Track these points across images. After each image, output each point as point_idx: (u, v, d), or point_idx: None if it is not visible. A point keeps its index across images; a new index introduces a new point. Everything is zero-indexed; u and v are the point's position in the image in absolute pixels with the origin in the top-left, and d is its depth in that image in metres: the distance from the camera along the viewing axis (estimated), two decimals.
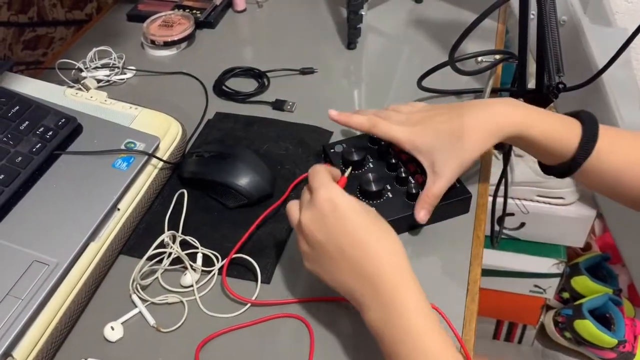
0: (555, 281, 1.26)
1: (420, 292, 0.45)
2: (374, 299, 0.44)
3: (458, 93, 0.76)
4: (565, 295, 1.38)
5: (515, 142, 0.56)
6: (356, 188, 0.60)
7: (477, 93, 0.75)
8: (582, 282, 1.32)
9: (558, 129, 0.54)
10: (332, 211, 0.46)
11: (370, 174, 0.59)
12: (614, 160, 0.54)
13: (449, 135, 0.55)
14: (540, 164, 0.60)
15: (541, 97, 0.66)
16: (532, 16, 0.64)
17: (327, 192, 0.47)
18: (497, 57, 0.68)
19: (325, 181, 0.48)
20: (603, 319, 1.28)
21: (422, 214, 0.56)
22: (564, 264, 1.24)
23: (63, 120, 0.61)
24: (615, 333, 1.25)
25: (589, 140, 0.53)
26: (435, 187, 0.56)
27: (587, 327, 1.26)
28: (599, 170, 0.54)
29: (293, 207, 0.51)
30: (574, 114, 0.56)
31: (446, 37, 0.88)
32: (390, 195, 0.59)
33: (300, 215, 0.49)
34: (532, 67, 0.66)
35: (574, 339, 1.32)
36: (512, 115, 0.54)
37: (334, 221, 0.46)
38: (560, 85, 0.65)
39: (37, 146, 0.58)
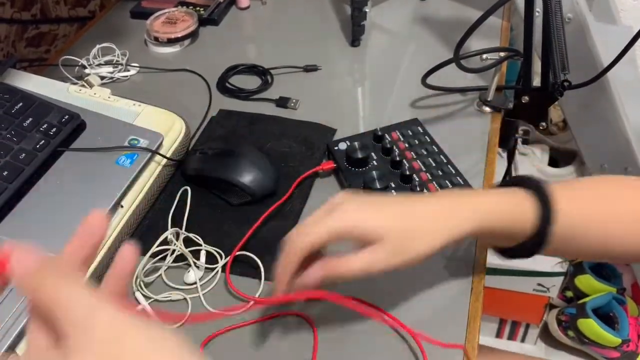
0: (559, 280, 1.26)
1: None
2: None
3: (463, 90, 0.76)
4: (569, 294, 1.37)
5: (468, 238, 0.47)
6: (360, 186, 0.59)
7: (482, 90, 0.75)
8: (586, 281, 1.31)
9: (513, 214, 0.47)
10: None
11: (374, 172, 0.59)
12: (576, 225, 0.48)
13: (400, 232, 0.44)
14: (500, 250, 0.52)
15: (546, 95, 0.66)
16: (537, 13, 0.63)
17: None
18: (502, 54, 0.68)
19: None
20: (607, 318, 1.28)
21: (310, 280, 0.44)
22: (568, 263, 1.23)
23: (67, 116, 0.61)
24: (619, 332, 1.25)
25: (545, 210, 0.46)
26: (353, 260, 0.43)
27: (591, 326, 1.25)
28: (563, 238, 0.48)
29: None
30: (516, 182, 0.49)
31: (450, 34, 0.88)
32: (395, 193, 0.59)
33: None
34: (536, 65, 0.66)
35: (577, 338, 1.31)
36: (464, 213, 0.46)
37: None
38: (566, 83, 0.65)
39: (41, 143, 0.58)
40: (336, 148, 0.65)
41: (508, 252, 0.51)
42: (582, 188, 0.51)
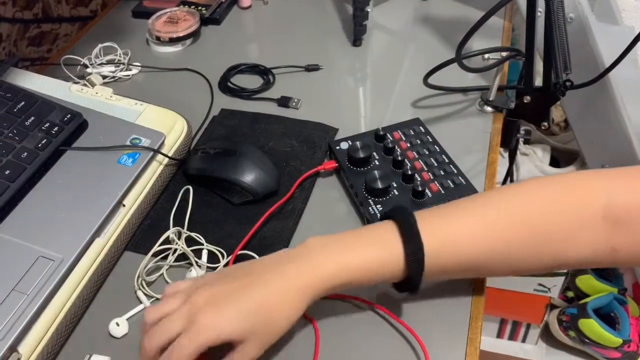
0: (560, 280, 1.26)
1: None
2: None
3: (464, 90, 0.76)
4: (570, 294, 1.38)
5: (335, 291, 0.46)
6: (362, 185, 0.59)
7: (484, 90, 0.75)
8: (587, 281, 1.31)
9: (374, 255, 0.45)
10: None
11: (376, 171, 0.59)
12: (453, 258, 0.46)
13: (253, 326, 0.43)
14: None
15: (548, 95, 0.66)
16: (539, 13, 0.63)
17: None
18: (504, 54, 0.68)
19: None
20: (608, 318, 1.28)
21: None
22: None
23: (69, 116, 0.61)
24: (620, 332, 1.25)
25: (415, 249, 0.45)
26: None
27: (592, 326, 1.25)
28: (444, 270, 0.47)
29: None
30: (387, 216, 0.48)
31: (452, 34, 0.88)
32: (396, 193, 0.59)
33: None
34: (537, 65, 0.66)
35: (578, 338, 1.31)
36: (317, 275, 0.44)
37: None
38: (568, 83, 0.65)
39: (43, 142, 0.58)
40: (338, 147, 0.65)
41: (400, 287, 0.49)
42: (449, 215, 0.47)
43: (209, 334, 0.42)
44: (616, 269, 1.34)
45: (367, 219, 0.58)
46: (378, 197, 0.58)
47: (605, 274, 1.34)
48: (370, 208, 0.58)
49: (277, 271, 0.45)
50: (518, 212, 0.46)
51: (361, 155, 0.61)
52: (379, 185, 0.58)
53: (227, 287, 0.44)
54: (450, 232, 0.46)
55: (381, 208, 0.57)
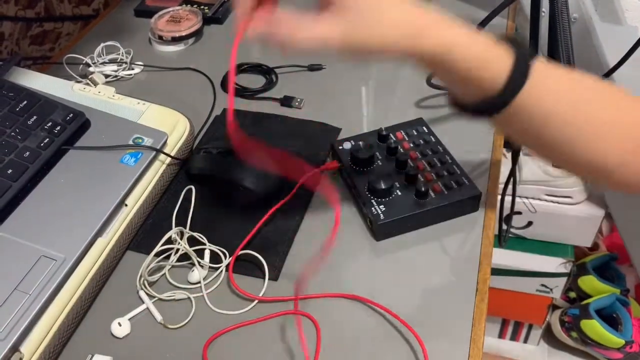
0: (562, 280, 1.26)
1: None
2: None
3: None
4: (572, 294, 1.37)
5: (431, 65, 0.43)
6: (365, 185, 0.59)
7: None
8: (589, 282, 1.31)
9: (484, 56, 0.42)
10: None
11: (379, 172, 0.59)
12: (543, 102, 0.43)
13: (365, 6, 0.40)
14: (454, 101, 0.47)
15: None
16: (543, 13, 0.63)
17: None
18: None
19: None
20: (610, 319, 1.28)
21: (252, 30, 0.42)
22: (572, 264, 1.23)
23: (71, 115, 0.61)
24: (622, 333, 1.25)
25: (519, 74, 0.42)
26: (306, 32, 0.40)
27: (594, 327, 1.25)
28: (524, 113, 0.43)
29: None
30: (506, 38, 0.44)
31: None
32: (399, 193, 0.59)
33: None
34: None
35: (580, 339, 1.31)
36: (438, 31, 0.42)
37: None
38: None
39: (45, 141, 0.58)
40: (341, 147, 0.64)
41: (462, 106, 0.46)
42: (573, 78, 0.45)
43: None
44: (618, 270, 1.34)
45: (369, 219, 0.58)
46: (381, 197, 0.58)
47: (608, 274, 1.34)
48: (372, 208, 0.57)
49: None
50: (607, 90, 0.47)
51: (364, 155, 0.61)
52: (382, 185, 0.58)
53: None
54: (553, 75, 0.44)
55: (384, 208, 0.57)
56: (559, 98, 0.44)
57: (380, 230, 0.57)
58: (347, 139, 0.65)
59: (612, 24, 1.05)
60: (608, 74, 0.68)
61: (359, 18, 0.39)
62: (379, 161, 0.62)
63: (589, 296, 1.32)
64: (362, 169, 0.62)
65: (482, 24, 0.59)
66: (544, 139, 0.45)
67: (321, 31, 0.40)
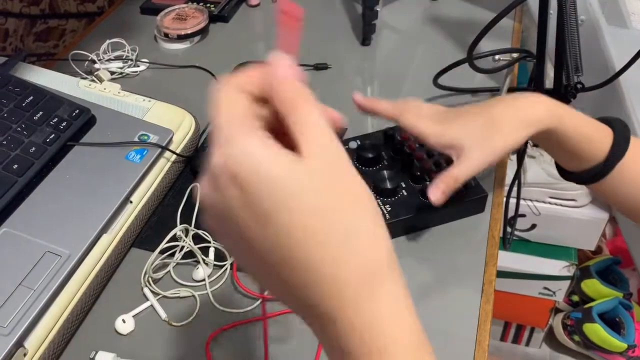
0: (566, 284, 1.25)
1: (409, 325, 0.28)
2: (326, 342, 0.29)
3: (474, 91, 0.75)
4: (575, 298, 1.37)
5: (546, 137, 0.51)
6: (370, 185, 0.59)
7: (494, 92, 0.75)
8: (592, 286, 1.30)
9: (591, 127, 0.51)
10: (239, 196, 0.25)
11: (384, 172, 0.59)
12: (638, 170, 0.52)
13: (480, 128, 0.51)
14: (560, 169, 0.57)
15: (559, 97, 0.65)
16: (550, 13, 0.63)
17: (226, 156, 0.26)
18: (515, 55, 0.67)
19: (232, 124, 0.26)
20: (613, 323, 1.27)
21: (436, 193, 0.50)
22: (575, 267, 1.23)
23: (77, 111, 0.61)
24: (625, 337, 1.24)
25: (621, 142, 0.51)
26: (458, 169, 0.50)
27: (597, 330, 1.24)
28: (622, 180, 0.52)
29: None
30: (602, 119, 0.53)
31: (461, 35, 0.87)
32: (405, 193, 0.59)
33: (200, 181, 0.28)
34: (546, 67, 0.65)
35: (582, 342, 1.31)
36: (548, 106, 0.51)
37: (244, 214, 0.25)
38: (579, 85, 0.64)
39: (51, 137, 0.58)
40: (346, 147, 0.64)
41: (567, 174, 0.55)
42: None
43: (421, 125, 0.54)
44: (622, 273, 1.34)
45: None
46: (387, 197, 0.58)
47: (611, 278, 1.33)
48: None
49: (509, 99, 0.52)
50: None
51: (370, 155, 0.61)
52: (388, 185, 0.58)
53: (451, 113, 0.55)
54: None
55: (390, 208, 0.57)
56: None
57: None
58: (353, 139, 0.65)
59: (618, 27, 1.05)
60: (614, 78, 0.68)
61: (483, 149, 0.51)
62: (384, 161, 0.62)
63: (592, 300, 1.32)
64: (367, 169, 0.61)
65: (490, 25, 0.58)
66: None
67: (467, 166, 0.51)
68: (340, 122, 0.30)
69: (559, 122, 0.50)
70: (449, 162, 0.62)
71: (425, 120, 0.54)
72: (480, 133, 0.51)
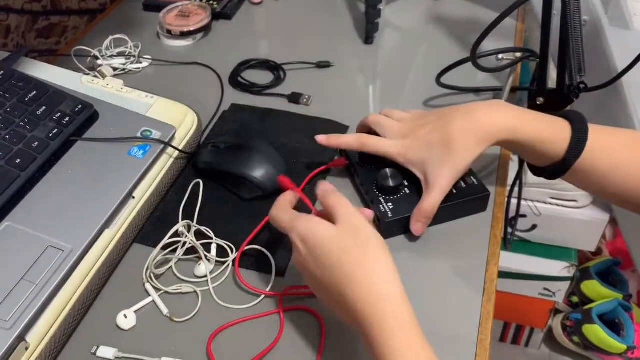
0: (565, 285, 1.25)
1: (411, 331, 0.41)
2: (365, 340, 0.42)
3: (477, 91, 0.75)
4: (574, 299, 1.37)
5: (504, 145, 0.56)
6: (373, 183, 0.59)
7: (497, 91, 0.75)
8: (592, 287, 1.30)
9: (547, 131, 0.53)
10: (306, 250, 0.45)
11: (387, 170, 0.59)
12: (602, 161, 0.53)
13: (438, 146, 0.55)
14: (530, 166, 0.59)
15: (562, 97, 0.66)
16: (554, 13, 0.63)
17: (296, 230, 0.46)
18: (518, 55, 0.67)
19: (288, 218, 0.47)
20: (612, 324, 1.27)
21: (417, 226, 0.56)
22: (575, 268, 1.23)
23: (80, 106, 0.61)
24: (624, 339, 1.24)
25: (579, 141, 0.52)
26: (430, 201, 0.55)
27: (596, 332, 1.25)
28: (587, 171, 0.54)
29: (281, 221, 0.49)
30: (562, 114, 0.55)
31: (464, 34, 0.87)
32: (407, 191, 0.59)
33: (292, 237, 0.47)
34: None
35: (582, 343, 1.31)
36: (500, 119, 0.53)
37: (311, 259, 0.44)
38: (582, 85, 0.64)
39: (54, 132, 0.58)
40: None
41: (535, 170, 0.57)
42: (618, 136, 0.55)
43: (384, 148, 0.59)
44: (621, 275, 1.34)
45: (377, 217, 0.57)
46: (389, 195, 0.58)
47: (611, 279, 1.33)
48: (380, 206, 0.57)
49: (465, 113, 0.55)
50: None
51: (372, 153, 0.61)
52: (390, 183, 0.58)
53: (413, 124, 0.58)
54: (610, 139, 0.54)
55: (392, 206, 0.57)
56: (613, 154, 0.53)
57: (388, 229, 0.57)
58: None
59: (620, 28, 1.05)
60: (617, 78, 0.68)
61: (438, 166, 0.56)
62: (387, 159, 0.62)
63: (592, 301, 1.32)
64: (370, 167, 0.61)
65: (494, 24, 0.58)
66: (607, 190, 0.55)
67: (435, 195, 0.56)
68: (370, 215, 0.49)
69: (513, 134, 0.53)
70: None
71: (387, 142, 0.59)
72: (438, 153, 0.55)
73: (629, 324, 1.25)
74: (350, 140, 0.61)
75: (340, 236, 0.44)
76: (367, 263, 0.42)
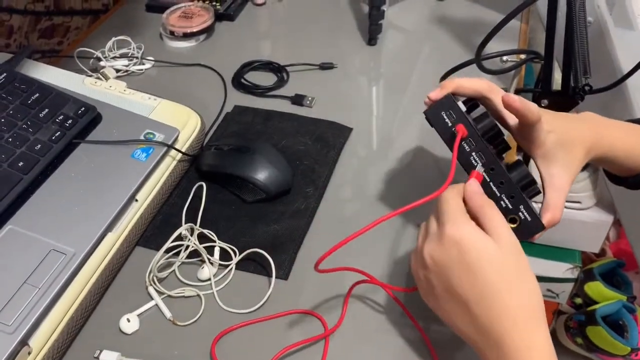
0: (569, 286, 1.24)
1: (551, 351, 0.40)
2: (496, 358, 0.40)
3: None
4: (578, 300, 1.36)
5: (595, 162, 0.53)
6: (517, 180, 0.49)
7: None
8: (596, 288, 1.30)
9: (636, 142, 0.52)
10: (459, 257, 0.41)
11: (522, 163, 0.50)
12: None
13: (563, 146, 0.50)
14: (608, 174, 0.57)
15: (567, 99, 0.65)
16: (559, 14, 0.63)
17: (456, 231, 0.41)
18: (522, 56, 0.67)
19: (454, 216, 0.42)
20: (616, 326, 1.27)
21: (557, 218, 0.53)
22: (579, 269, 1.22)
23: (82, 108, 0.61)
24: (628, 341, 1.24)
25: None
26: (551, 213, 0.52)
27: (600, 333, 1.24)
28: None
29: (422, 229, 0.45)
30: (636, 121, 0.54)
31: (467, 35, 0.87)
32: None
33: (422, 243, 0.43)
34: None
35: (585, 345, 1.30)
36: (598, 136, 0.51)
37: (459, 270, 0.41)
38: (587, 87, 0.64)
39: (57, 134, 0.58)
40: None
41: (614, 178, 0.57)
42: None
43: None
44: (625, 276, 1.33)
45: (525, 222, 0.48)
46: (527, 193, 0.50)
47: (614, 281, 1.33)
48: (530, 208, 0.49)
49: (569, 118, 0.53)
50: None
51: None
52: (531, 177, 0.51)
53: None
54: None
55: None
56: None
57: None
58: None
59: (624, 29, 1.05)
60: (622, 80, 0.67)
61: (563, 169, 0.53)
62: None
63: (595, 302, 1.31)
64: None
65: (499, 26, 0.58)
66: None
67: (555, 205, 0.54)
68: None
69: (610, 151, 0.51)
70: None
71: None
72: (563, 153, 0.51)
73: (632, 325, 1.25)
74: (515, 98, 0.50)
75: (500, 258, 0.40)
76: (521, 289, 0.40)
